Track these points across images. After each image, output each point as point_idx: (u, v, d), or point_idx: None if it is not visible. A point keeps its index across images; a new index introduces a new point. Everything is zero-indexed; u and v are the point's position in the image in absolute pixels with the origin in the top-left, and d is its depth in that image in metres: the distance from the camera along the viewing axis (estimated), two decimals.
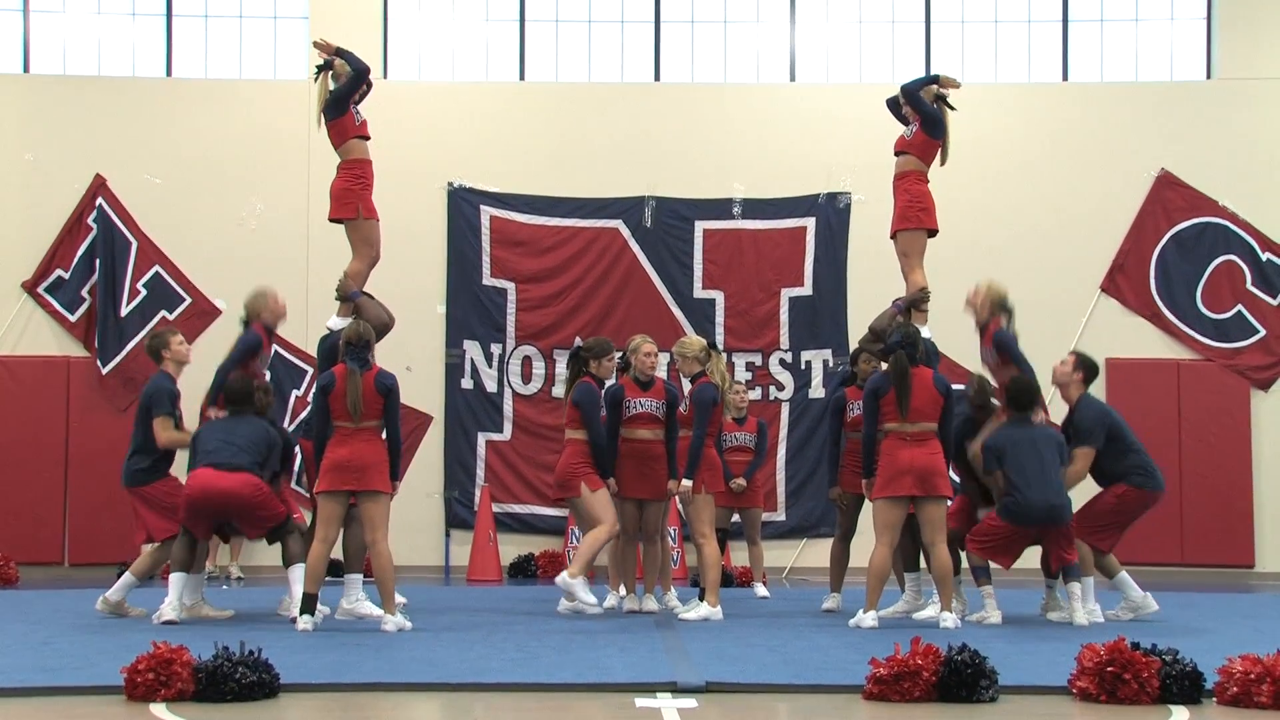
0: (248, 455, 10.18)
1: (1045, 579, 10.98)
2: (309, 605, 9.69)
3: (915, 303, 11.08)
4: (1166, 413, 16.27)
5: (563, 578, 10.61)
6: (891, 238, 11.56)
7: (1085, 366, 11.12)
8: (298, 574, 10.09)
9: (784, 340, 16.37)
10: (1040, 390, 10.79)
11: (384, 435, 9.96)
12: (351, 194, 11.15)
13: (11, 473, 15.95)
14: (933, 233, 11.39)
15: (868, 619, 9.89)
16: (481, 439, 16.16)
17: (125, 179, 16.33)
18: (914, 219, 11.26)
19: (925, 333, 10.79)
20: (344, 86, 11.27)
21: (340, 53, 11.37)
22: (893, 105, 11.78)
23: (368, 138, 11.37)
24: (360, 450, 9.76)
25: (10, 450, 15.97)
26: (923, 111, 11.28)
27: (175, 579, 10.21)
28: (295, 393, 15.79)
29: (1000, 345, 10.72)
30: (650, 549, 11.23)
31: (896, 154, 11.48)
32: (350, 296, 11.08)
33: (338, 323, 11.04)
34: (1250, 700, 6.84)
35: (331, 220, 11.40)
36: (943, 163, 11.50)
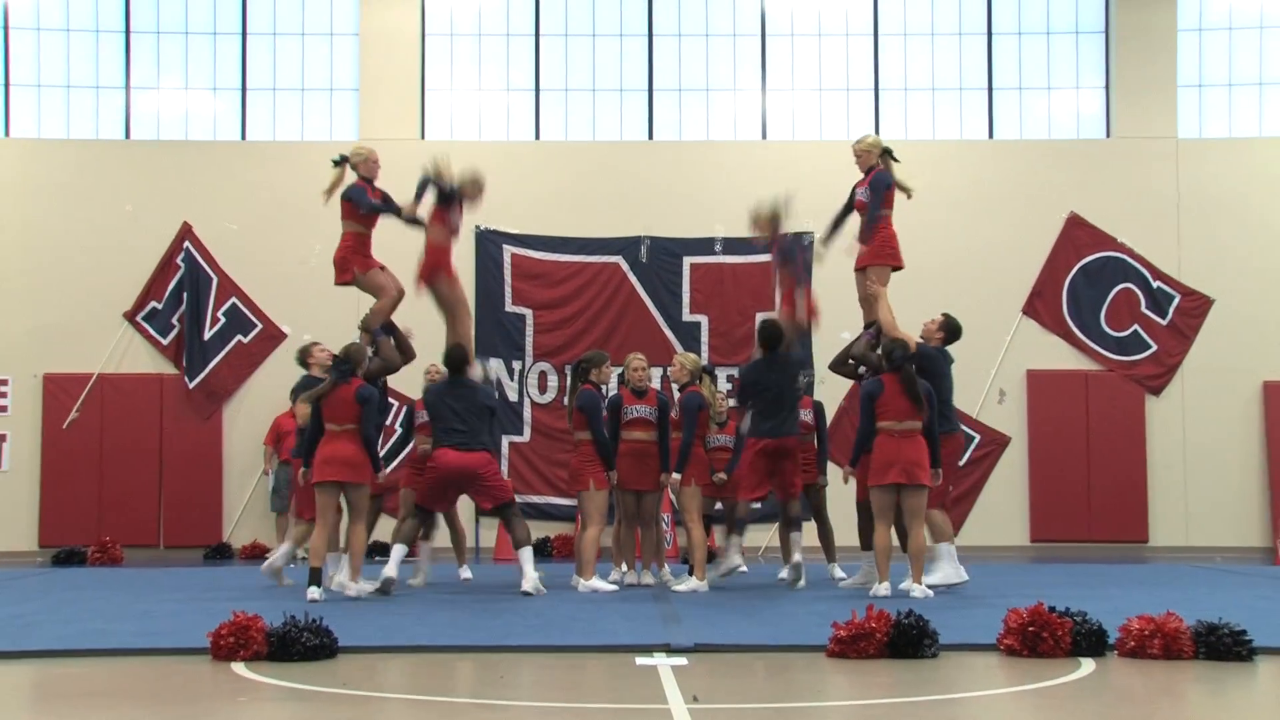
0: (480, 435, 10.27)
1: (728, 536, 10.92)
2: (316, 578, 9.65)
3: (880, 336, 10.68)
4: (1077, 414, 16.31)
5: (582, 585, 10.46)
6: (859, 270, 11.16)
7: (948, 329, 10.80)
8: (527, 554, 10.11)
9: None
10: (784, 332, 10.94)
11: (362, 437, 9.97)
12: (346, 261, 10.85)
13: (117, 470, 16.00)
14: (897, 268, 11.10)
15: (881, 589, 9.63)
16: (505, 440, 16.16)
17: (208, 226, 16.38)
18: (888, 256, 10.89)
19: None
20: (388, 206, 10.98)
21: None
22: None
23: (369, 227, 10.92)
24: (340, 449, 9.88)
25: (115, 452, 16.03)
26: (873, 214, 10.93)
27: (398, 550, 10.17)
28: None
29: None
30: (647, 532, 11.22)
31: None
32: (371, 331, 10.83)
33: None
34: (1145, 652, 6.91)
35: (336, 285, 11.09)
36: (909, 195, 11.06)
